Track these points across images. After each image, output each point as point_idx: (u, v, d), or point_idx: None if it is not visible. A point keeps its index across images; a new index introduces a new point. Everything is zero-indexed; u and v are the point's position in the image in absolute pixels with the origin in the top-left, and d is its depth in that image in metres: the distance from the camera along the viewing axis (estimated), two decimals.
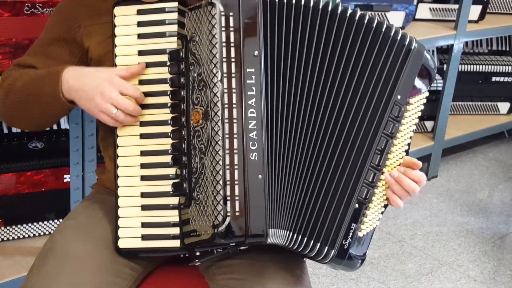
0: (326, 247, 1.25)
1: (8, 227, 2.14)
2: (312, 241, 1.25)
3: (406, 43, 1.26)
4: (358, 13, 1.25)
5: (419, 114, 1.29)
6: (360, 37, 1.25)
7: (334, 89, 1.25)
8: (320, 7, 1.25)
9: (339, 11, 1.25)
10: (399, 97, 1.25)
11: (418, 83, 1.27)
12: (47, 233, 2.20)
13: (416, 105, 1.28)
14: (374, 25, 1.25)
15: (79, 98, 1.29)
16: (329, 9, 1.25)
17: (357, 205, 1.25)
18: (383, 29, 1.26)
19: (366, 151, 1.25)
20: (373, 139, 1.25)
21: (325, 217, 1.25)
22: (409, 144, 1.30)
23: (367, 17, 1.26)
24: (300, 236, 1.25)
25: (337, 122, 1.25)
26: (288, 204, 1.24)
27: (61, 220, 2.18)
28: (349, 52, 1.25)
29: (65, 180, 2.15)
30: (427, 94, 1.29)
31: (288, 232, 1.24)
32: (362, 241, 1.29)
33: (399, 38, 1.26)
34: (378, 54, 1.25)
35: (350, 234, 1.25)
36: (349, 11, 1.25)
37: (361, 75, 1.25)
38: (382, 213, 1.30)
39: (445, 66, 3.24)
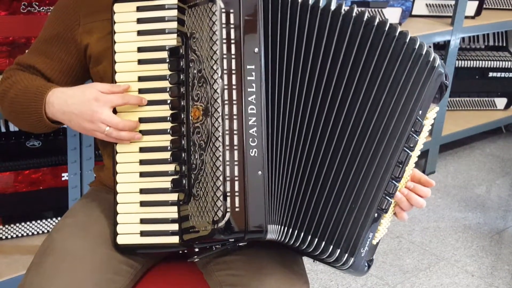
0: (346, 254, 1.25)
1: (6, 226, 2.15)
2: (324, 243, 1.24)
3: (431, 59, 1.24)
4: (377, 19, 1.24)
5: (430, 127, 1.29)
6: (380, 44, 1.23)
7: (351, 92, 1.24)
8: (332, 9, 1.23)
9: (353, 14, 1.23)
10: (420, 112, 1.24)
11: (435, 98, 1.27)
12: (45, 231, 2.20)
13: (431, 118, 1.28)
14: (397, 34, 1.23)
15: (68, 120, 1.30)
16: (342, 11, 1.23)
17: (376, 215, 1.25)
18: (407, 40, 1.24)
19: (388, 163, 1.24)
20: (395, 151, 1.24)
21: (345, 223, 1.24)
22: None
23: (388, 24, 1.24)
24: (306, 235, 1.24)
25: (356, 126, 1.24)
26: (286, 200, 1.23)
27: (59, 218, 2.18)
28: (366, 58, 1.24)
29: (63, 179, 2.15)
30: (438, 108, 1.30)
31: (286, 228, 1.23)
32: (373, 248, 1.30)
33: (424, 52, 1.24)
34: (401, 66, 1.24)
35: (368, 243, 1.26)
36: (366, 15, 1.24)
37: (382, 85, 1.24)
38: (390, 221, 1.31)
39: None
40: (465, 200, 3.14)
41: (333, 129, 1.24)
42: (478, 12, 3.30)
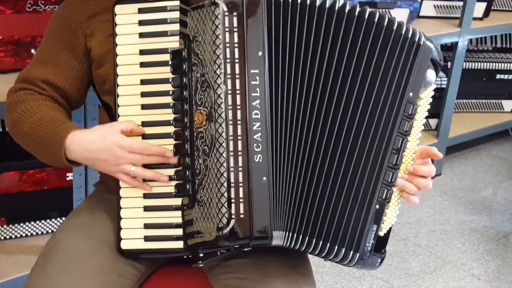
0: (351, 251, 1.24)
1: (10, 226, 2.15)
2: (330, 244, 1.23)
3: (416, 40, 1.24)
4: (367, 11, 1.23)
5: (428, 107, 1.28)
6: (371, 36, 1.23)
7: (346, 89, 1.23)
8: (327, 6, 1.23)
9: (346, 10, 1.23)
10: (411, 94, 1.23)
11: (428, 77, 1.26)
12: (49, 231, 2.20)
13: (426, 98, 1.27)
14: (385, 24, 1.23)
15: (91, 164, 1.30)
16: (336, 8, 1.23)
17: (377, 206, 1.24)
18: (395, 27, 1.23)
19: (384, 152, 1.23)
20: (389, 140, 1.23)
21: (348, 222, 1.23)
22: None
23: (377, 16, 1.23)
24: (310, 238, 1.23)
25: (352, 123, 1.23)
26: (290, 205, 1.22)
27: (63, 218, 2.17)
28: (359, 52, 1.23)
29: (68, 178, 2.15)
30: (434, 86, 1.28)
31: (291, 233, 1.23)
32: (383, 240, 1.28)
33: (410, 35, 1.24)
34: (391, 53, 1.23)
35: (373, 235, 1.24)
36: (358, 9, 1.23)
37: (374, 75, 1.23)
38: (398, 208, 1.29)
39: (449, 63, 3.23)
40: (471, 202, 3.12)
41: (333, 128, 1.24)
42: (487, 13, 3.29)
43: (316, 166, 1.24)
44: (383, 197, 1.24)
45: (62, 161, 1.29)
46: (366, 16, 1.23)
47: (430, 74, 1.26)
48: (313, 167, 1.24)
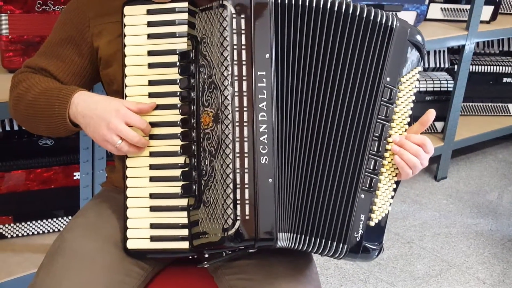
0: (341, 244, 1.23)
1: (17, 224, 2.15)
2: (324, 240, 1.23)
3: (390, 24, 1.24)
4: (351, 6, 1.23)
5: (415, 90, 1.27)
6: (347, 27, 1.23)
7: (335, 86, 1.24)
8: (337, 9, 1.23)
9: (343, 9, 1.23)
10: (388, 79, 1.24)
11: (408, 60, 1.26)
12: (56, 230, 2.20)
13: (409, 82, 1.26)
14: (357, 14, 1.23)
15: (85, 124, 1.29)
16: (335, 8, 1.23)
17: (363, 196, 1.24)
18: (364, 15, 1.23)
19: (365, 140, 1.24)
20: (368, 127, 1.24)
21: (332, 214, 1.23)
22: (409, 124, 1.28)
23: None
24: (310, 238, 1.24)
25: (339, 119, 1.24)
26: (294, 206, 1.23)
27: (70, 217, 2.18)
28: (346, 48, 1.23)
29: (74, 178, 2.15)
30: (420, 69, 1.28)
31: (296, 234, 1.23)
32: (376, 230, 1.27)
33: (379, 20, 1.24)
34: (363, 41, 1.23)
35: (361, 225, 1.24)
36: (354, 8, 1.23)
37: (352, 65, 1.23)
38: (392, 197, 1.28)
39: (456, 66, 3.23)
40: (477, 206, 3.12)
41: (329, 127, 1.24)
42: (494, 17, 3.28)
43: (320, 166, 1.24)
44: (367, 186, 1.24)
45: (65, 119, 1.29)
46: (351, 11, 1.23)
47: (412, 56, 1.26)
48: (317, 168, 1.24)
